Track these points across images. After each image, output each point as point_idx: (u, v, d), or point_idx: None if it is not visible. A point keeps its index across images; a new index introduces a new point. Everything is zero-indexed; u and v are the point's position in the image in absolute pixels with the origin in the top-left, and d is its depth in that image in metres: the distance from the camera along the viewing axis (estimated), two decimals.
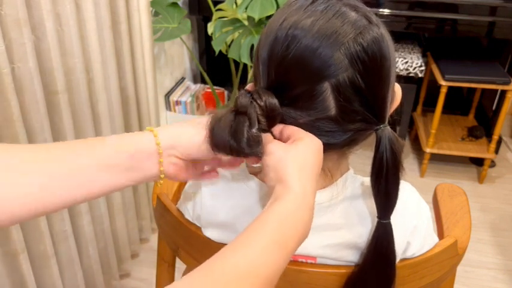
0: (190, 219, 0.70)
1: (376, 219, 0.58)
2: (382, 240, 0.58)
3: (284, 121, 0.55)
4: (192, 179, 0.62)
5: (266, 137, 0.54)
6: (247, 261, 0.44)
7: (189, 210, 0.69)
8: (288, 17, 0.53)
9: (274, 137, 0.55)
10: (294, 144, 0.52)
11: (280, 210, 0.47)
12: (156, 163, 0.54)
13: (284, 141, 0.54)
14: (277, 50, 0.53)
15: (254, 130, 0.52)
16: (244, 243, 0.45)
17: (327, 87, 0.52)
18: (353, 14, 0.53)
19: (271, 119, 0.54)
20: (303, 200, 0.49)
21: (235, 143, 0.51)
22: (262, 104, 0.52)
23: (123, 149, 0.52)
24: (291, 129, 0.54)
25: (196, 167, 0.60)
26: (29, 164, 0.49)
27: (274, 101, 0.53)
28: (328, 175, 0.61)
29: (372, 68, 0.52)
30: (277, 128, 0.55)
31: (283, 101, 0.54)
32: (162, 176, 0.55)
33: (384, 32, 0.54)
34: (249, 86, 0.60)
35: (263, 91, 0.53)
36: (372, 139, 0.57)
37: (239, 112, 0.53)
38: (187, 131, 0.55)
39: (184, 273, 0.93)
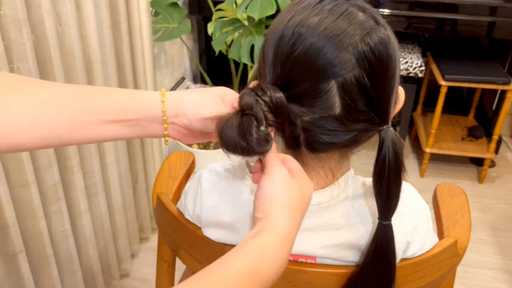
0: (190, 219, 0.70)
1: (377, 220, 0.58)
2: (382, 241, 0.58)
3: (287, 117, 0.55)
4: (198, 141, 0.63)
5: (271, 156, 0.53)
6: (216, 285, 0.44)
7: (189, 210, 0.69)
8: (295, 15, 0.53)
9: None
10: (292, 184, 0.52)
11: (261, 242, 0.48)
12: (161, 127, 0.57)
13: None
14: (283, 48, 0.53)
15: (262, 128, 0.52)
16: (217, 270, 0.45)
17: (333, 86, 0.52)
18: (361, 15, 0.53)
19: (278, 113, 0.54)
20: (286, 237, 0.49)
21: (245, 144, 0.51)
22: (267, 99, 0.52)
23: (130, 109, 0.54)
24: (294, 165, 0.54)
25: (203, 134, 0.61)
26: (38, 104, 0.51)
27: (280, 94, 0.53)
28: (329, 175, 0.61)
29: (378, 68, 0.52)
30: (283, 157, 0.55)
31: (287, 97, 0.54)
32: (167, 139, 0.58)
33: (390, 33, 0.55)
34: (252, 84, 0.60)
35: (267, 86, 0.53)
36: (372, 139, 0.57)
37: (245, 112, 0.53)
38: (195, 103, 0.56)
39: (184, 273, 0.93)
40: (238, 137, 0.51)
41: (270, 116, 0.53)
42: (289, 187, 0.51)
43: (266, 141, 0.52)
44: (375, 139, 0.56)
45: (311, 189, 0.54)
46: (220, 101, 0.57)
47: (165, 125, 0.56)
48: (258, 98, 0.53)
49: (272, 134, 0.54)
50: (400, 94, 0.60)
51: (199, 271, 0.45)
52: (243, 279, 0.45)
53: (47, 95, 0.51)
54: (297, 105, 0.54)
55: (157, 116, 0.56)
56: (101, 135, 0.54)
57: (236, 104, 0.55)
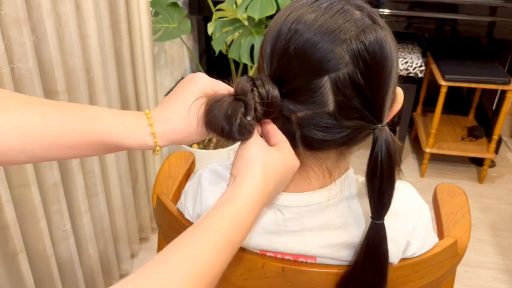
0: (190, 218, 0.70)
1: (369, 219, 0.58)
2: (374, 240, 0.58)
3: (282, 113, 0.56)
4: None
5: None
6: (202, 264, 0.45)
7: (189, 210, 0.69)
8: (293, 12, 0.55)
9: (262, 134, 0.57)
10: (274, 150, 0.54)
11: (237, 209, 0.49)
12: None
13: (267, 142, 0.56)
14: (280, 43, 0.54)
15: (249, 118, 0.53)
16: (200, 244, 0.46)
17: (326, 82, 0.52)
18: (357, 13, 0.54)
19: (269, 109, 0.54)
20: (259, 200, 0.51)
21: (227, 126, 0.52)
22: (263, 92, 0.53)
23: (122, 143, 0.54)
24: (281, 139, 0.56)
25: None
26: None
27: (276, 92, 0.54)
28: (326, 174, 0.61)
29: (373, 66, 0.52)
30: (267, 128, 0.56)
31: (282, 92, 0.54)
32: (157, 153, 0.58)
33: (387, 33, 0.55)
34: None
35: (267, 80, 0.54)
36: (370, 139, 0.57)
37: (237, 97, 0.53)
38: (184, 135, 0.55)
39: None
40: (223, 119, 0.52)
41: (259, 108, 0.53)
42: (267, 153, 0.53)
43: (248, 131, 0.53)
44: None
45: (295, 163, 0.56)
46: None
47: (157, 148, 0.56)
48: (254, 87, 0.53)
49: (257, 127, 0.55)
50: (398, 95, 0.60)
51: (171, 244, 0.46)
52: (222, 254, 0.47)
53: (38, 120, 0.51)
54: (291, 101, 0.55)
55: (150, 147, 0.55)
56: (92, 155, 0.56)
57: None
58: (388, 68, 0.54)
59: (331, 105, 0.53)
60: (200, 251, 0.45)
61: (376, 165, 0.54)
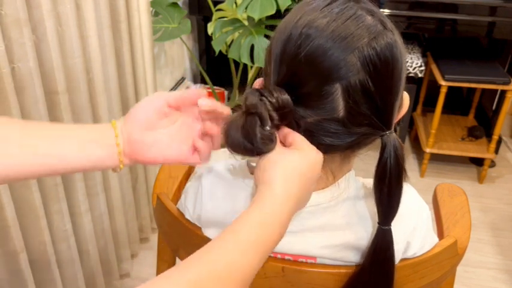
0: (190, 218, 0.70)
1: (376, 222, 0.58)
2: (381, 245, 0.58)
3: (294, 118, 0.55)
4: None
5: None
6: (224, 263, 0.46)
7: (189, 210, 0.69)
8: (304, 16, 0.53)
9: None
10: (291, 150, 0.53)
11: (261, 212, 0.50)
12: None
13: (285, 146, 0.55)
14: (290, 48, 0.53)
15: (267, 128, 0.52)
16: (223, 245, 0.47)
17: (337, 89, 0.52)
18: (369, 18, 0.53)
19: (283, 114, 0.54)
20: (284, 203, 0.51)
21: (250, 145, 0.52)
22: (273, 100, 0.52)
23: (87, 166, 0.57)
24: (295, 137, 0.55)
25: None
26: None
27: (286, 96, 0.53)
28: (329, 176, 0.61)
29: (384, 73, 0.52)
30: (282, 132, 0.55)
31: (292, 98, 0.54)
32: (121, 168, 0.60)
33: (397, 38, 0.54)
34: (258, 82, 0.60)
35: (274, 88, 0.53)
36: (374, 142, 0.57)
37: (249, 112, 0.53)
38: (148, 143, 0.58)
39: None
40: (243, 138, 0.52)
41: (274, 115, 0.53)
42: (284, 156, 0.53)
43: (270, 140, 0.53)
44: (377, 141, 0.56)
45: (316, 157, 0.54)
46: (161, 115, 0.59)
47: (121, 166, 0.59)
48: (262, 97, 0.53)
49: (277, 133, 0.54)
50: (405, 99, 0.59)
51: (201, 249, 0.47)
52: (247, 254, 0.47)
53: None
54: (301, 106, 0.54)
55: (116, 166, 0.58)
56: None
57: (174, 102, 0.58)
58: (398, 74, 0.54)
59: (341, 112, 0.53)
60: (232, 255, 0.47)
61: (385, 171, 0.54)
